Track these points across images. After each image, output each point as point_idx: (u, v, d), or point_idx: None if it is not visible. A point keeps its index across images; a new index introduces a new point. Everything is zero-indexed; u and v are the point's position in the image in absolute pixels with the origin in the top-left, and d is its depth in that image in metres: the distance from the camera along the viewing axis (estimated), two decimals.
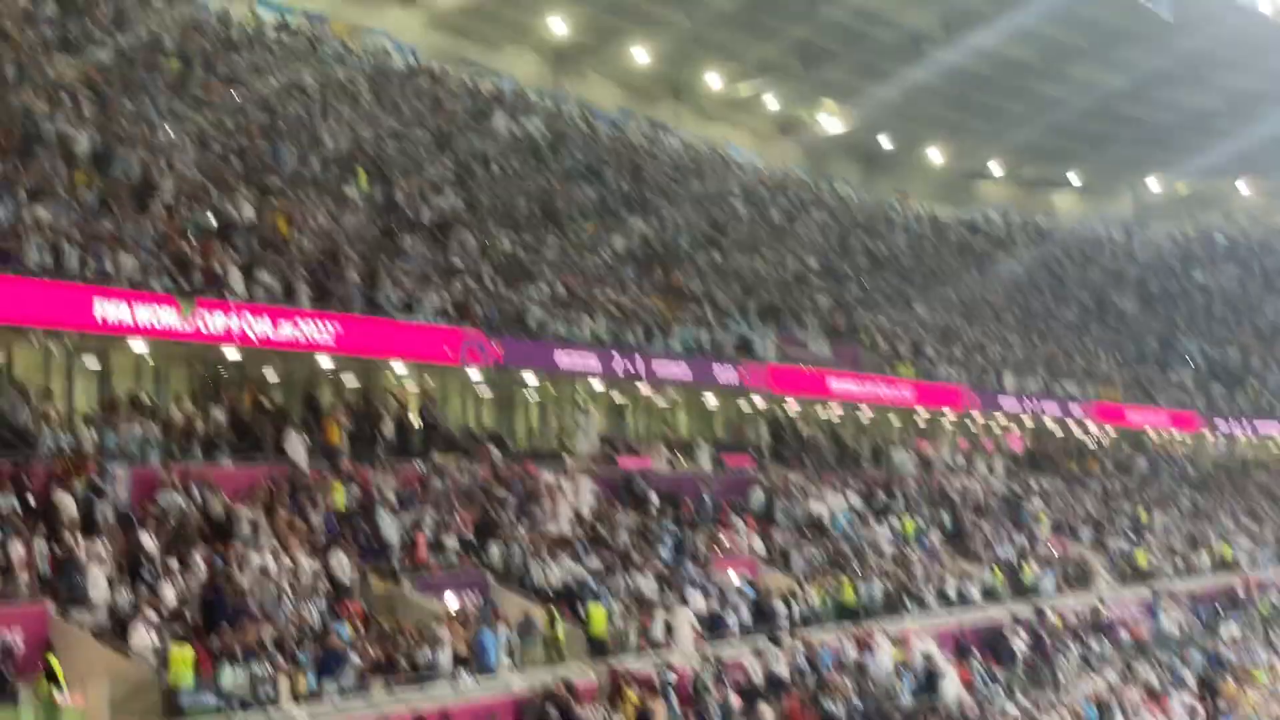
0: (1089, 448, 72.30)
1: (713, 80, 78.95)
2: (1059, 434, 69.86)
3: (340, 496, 33.59)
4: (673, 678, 33.41)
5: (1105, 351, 79.71)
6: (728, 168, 75.91)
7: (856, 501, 50.35)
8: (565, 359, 43.14)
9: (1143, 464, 73.40)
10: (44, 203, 31.97)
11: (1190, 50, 77.44)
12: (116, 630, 26.19)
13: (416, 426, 39.27)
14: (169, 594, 27.16)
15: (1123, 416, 71.63)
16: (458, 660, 30.25)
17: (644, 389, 48.31)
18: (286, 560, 29.74)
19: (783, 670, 36.25)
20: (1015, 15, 70.90)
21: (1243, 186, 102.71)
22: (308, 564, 30.24)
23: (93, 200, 33.88)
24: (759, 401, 53.04)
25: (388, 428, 37.83)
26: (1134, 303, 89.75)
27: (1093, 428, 70.92)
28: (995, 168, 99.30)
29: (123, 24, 45.20)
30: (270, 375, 37.79)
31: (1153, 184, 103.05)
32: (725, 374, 49.32)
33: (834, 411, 57.62)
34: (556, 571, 35.70)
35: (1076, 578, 54.01)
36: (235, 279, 34.31)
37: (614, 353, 44.95)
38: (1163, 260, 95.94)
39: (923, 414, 61.69)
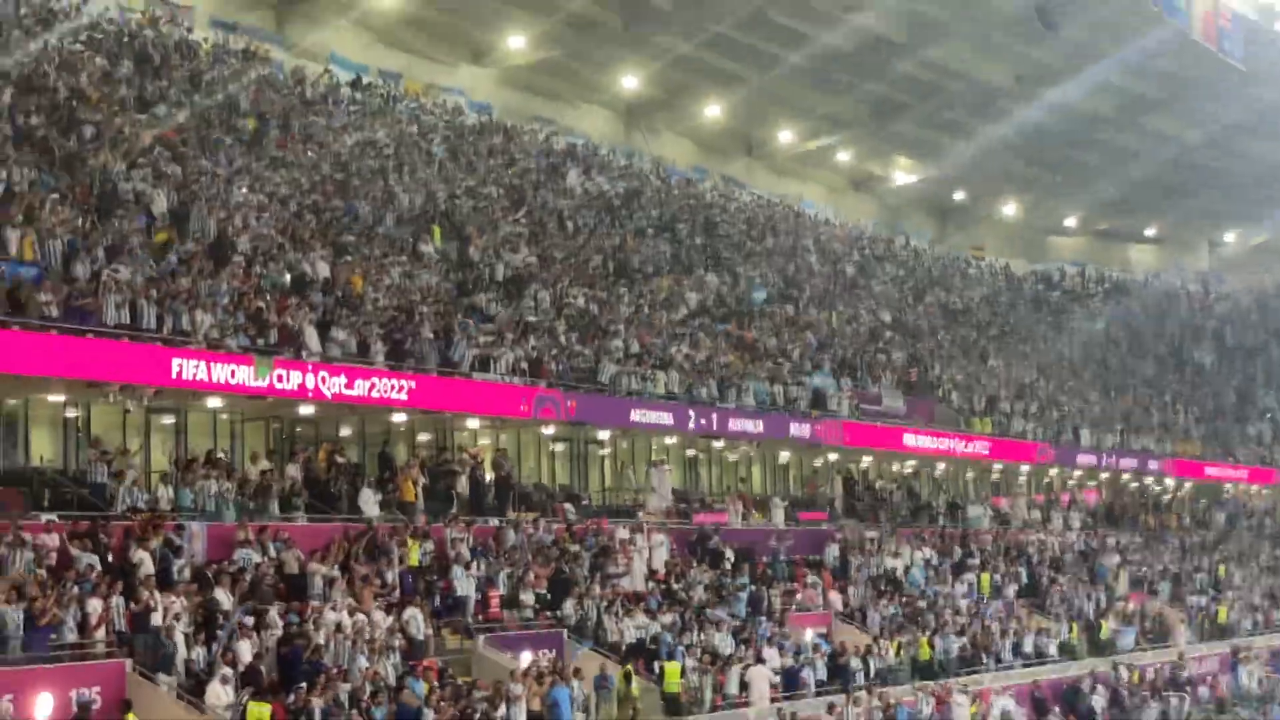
0: (1166, 502, 71.64)
1: (785, 135, 78.94)
2: (1136, 488, 69.26)
3: (415, 553, 33.61)
4: None
5: (1183, 405, 79.03)
6: (801, 222, 75.83)
7: (932, 557, 50.00)
8: (639, 414, 43.17)
9: (1221, 518, 72.60)
10: (122, 261, 32.25)
11: (1266, 101, 76.85)
12: (193, 687, 26.24)
13: (490, 482, 39.28)
14: (245, 651, 27.21)
15: (1201, 471, 70.99)
16: (532, 717, 30.15)
17: (718, 444, 48.27)
18: (361, 617, 29.76)
19: None
20: (1089, 69, 70.61)
21: None
22: (382, 620, 30.25)
23: (170, 258, 34.16)
24: (833, 456, 52.88)
25: (462, 484, 37.87)
26: (1211, 356, 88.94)
27: (1170, 482, 70.32)
28: (1070, 221, 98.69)
29: (199, 84, 45.66)
30: (345, 431, 38.01)
31: (1230, 236, 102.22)
32: (799, 429, 49.20)
33: (909, 466, 57.38)
34: (631, 627, 35.61)
35: (1155, 634, 53.45)
36: (311, 336, 34.53)
37: (688, 408, 44.95)
38: (1240, 313, 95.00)
39: (998, 468, 61.33)
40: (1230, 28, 67.84)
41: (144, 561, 27.85)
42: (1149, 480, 69.43)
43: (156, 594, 27.04)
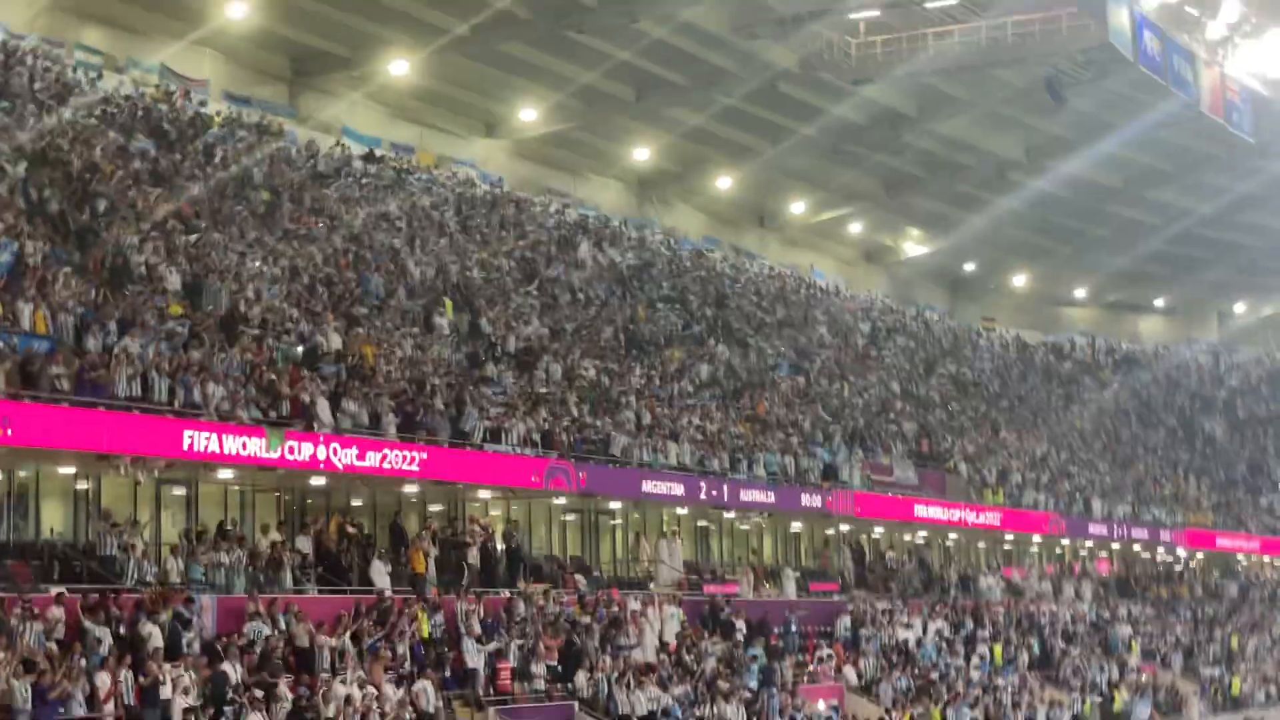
0: (1178, 573, 71.47)
1: (797, 207, 79.18)
2: (1148, 559, 69.12)
3: (425, 625, 33.58)
4: None
5: (1194, 476, 78.95)
6: (812, 294, 76.01)
7: (944, 628, 49.88)
8: (650, 485, 43.18)
9: (1233, 590, 72.45)
10: (133, 334, 32.40)
11: (1274, 174, 77.19)
12: None
13: (501, 553, 39.27)
14: None
15: (1212, 542, 70.90)
16: None
17: (729, 514, 48.27)
18: (371, 690, 29.70)
19: None
20: (1098, 142, 71.00)
21: None
22: (393, 694, 30.19)
23: (182, 331, 34.30)
24: (844, 527, 52.85)
25: (473, 555, 37.86)
26: (1223, 427, 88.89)
27: (1182, 553, 70.19)
28: (1081, 292, 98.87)
29: (212, 157, 45.94)
30: (356, 502, 38.06)
31: (1239, 308, 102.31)
32: (810, 499, 49.20)
33: (920, 537, 57.32)
34: (642, 699, 35.52)
35: (1168, 706, 53.21)
36: (322, 408, 34.63)
37: (699, 479, 44.99)
38: (1251, 385, 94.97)
39: (1010, 539, 61.23)
40: (1238, 101, 68.34)
41: (153, 635, 27.83)
42: (1161, 551, 69.33)
43: (165, 667, 27.02)
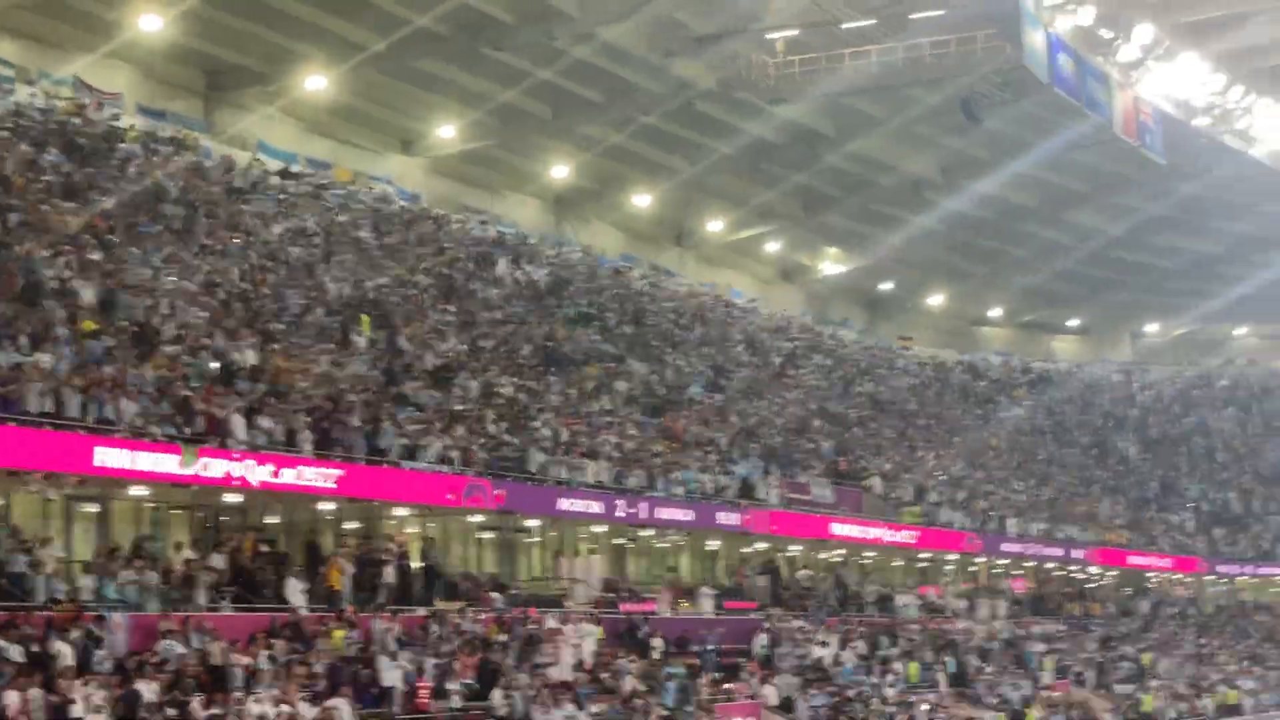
0: (1091, 590, 72.00)
1: (715, 225, 79.32)
2: (1061, 577, 69.57)
3: (340, 642, 33.33)
4: None
5: (1107, 495, 79.55)
6: (730, 312, 76.13)
7: (860, 646, 49.96)
8: (567, 503, 43.09)
9: (1145, 607, 73.05)
10: (45, 349, 32.03)
11: (1186, 195, 78.15)
12: None
13: (418, 571, 39.06)
14: None
15: (1124, 559, 71.43)
16: None
17: (646, 532, 48.21)
18: (286, 708, 29.43)
19: None
20: (1013, 163, 71.59)
21: (1241, 331, 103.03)
22: (308, 712, 29.92)
23: (95, 347, 33.94)
24: (761, 545, 52.90)
25: (389, 573, 37.61)
26: (1135, 446, 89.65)
27: (1094, 570, 70.72)
28: (996, 312, 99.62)
29: (126, 171, 45.52)
30: (272, 520, 37.75)
31: (1151, 328, 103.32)
32: (727, 517, 49.22)
33: (837, 555, 57.46)
34: (559, 717, 35.34)
35: None
36: (237, 424, 34.34)
37: (616, 497, 44.93)
38: (1163, 404, 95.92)
39: (926, 558, 61.48)
40: (1151, 123, 69.07)
41: (64, 653, 27.50)
42: (1073, 569, 69.83)
43: (76, 685, 26.68)
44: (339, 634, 33.39)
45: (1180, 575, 76.47)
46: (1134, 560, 72.23)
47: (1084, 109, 64.20)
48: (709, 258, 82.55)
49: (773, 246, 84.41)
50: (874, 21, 61.05)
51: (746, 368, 67.83)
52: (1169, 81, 70.09)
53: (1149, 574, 75.18)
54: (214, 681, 29.63)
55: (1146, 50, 67.96)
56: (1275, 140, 74.55)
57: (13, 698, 25.64)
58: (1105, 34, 66.78)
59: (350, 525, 40.04)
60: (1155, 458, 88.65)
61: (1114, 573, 72.76)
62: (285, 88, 57.51)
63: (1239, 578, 78.61)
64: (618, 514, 44.89)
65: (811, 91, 62.60)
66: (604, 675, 38.99)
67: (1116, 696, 57.13)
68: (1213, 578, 77.82)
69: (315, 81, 56.98)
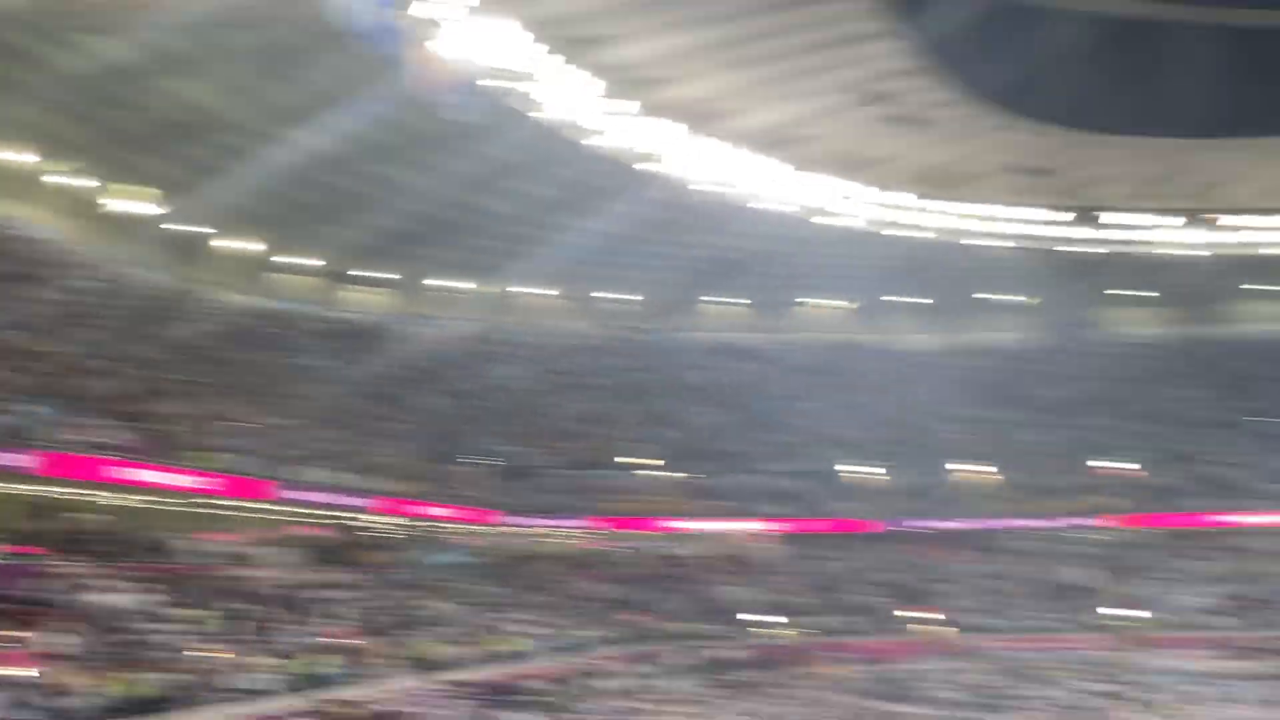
0: (383, 540, 73.41)
1: (19, 158, 75.85)
2: (353, 526, 70.61)
3: None
4: None
5: (405, 446, 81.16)
6: (34, 249, 73.12)
7: (143, 593, 49.33)
8: None
9: (438, 557, 75.04)
10: None
11: (491, 157, 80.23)
12: None
13: None
14: None
15: (422, 511, 73.13)
16: None
17: None
18: None
19: None
20: (325, 115, 71.54)
21: (529, 290, 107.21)
22: None
23: None
24: (35, 488, 51.29)
25: None
26: (432, 398, 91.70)
27: (391, 521, 72.13)
28: (308, 262, 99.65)
29: None
30: None
31: (455, 285, 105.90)
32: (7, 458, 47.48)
33: (118, 499, 56.29)
34: None
35: (370, 668, 54.50)
36: None
37: None
38: (460, 358, 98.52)
39: (221, 505, 61.18)
40: (456, 82, 70.28)
41: None
42: (370, 519, 70.97)
43: None
44: None
45: (475, 526, 78.91)
46: (430, 511, 74.05)
47: (389, 64, 64.66)
48: (11, 192, 78.92)
49: (81, 184, 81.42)
50: None
51: (35, 303, 65.32)
52: (474, 42, 71.22)
53: (445, 525, 77.23)
54: None
55: (451, 8, 68.79)
56: (567, 106, 76.86)
57: None
58: None
59: None
60: (451, 411, 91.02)
61: (411, 523, 74.35)
62: None
63: (531, 529, 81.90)
64: None
65: (128, 24, 60.78)
66: None
67: (405, 644, 58.55)
68: (506, 529, 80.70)
69: None
